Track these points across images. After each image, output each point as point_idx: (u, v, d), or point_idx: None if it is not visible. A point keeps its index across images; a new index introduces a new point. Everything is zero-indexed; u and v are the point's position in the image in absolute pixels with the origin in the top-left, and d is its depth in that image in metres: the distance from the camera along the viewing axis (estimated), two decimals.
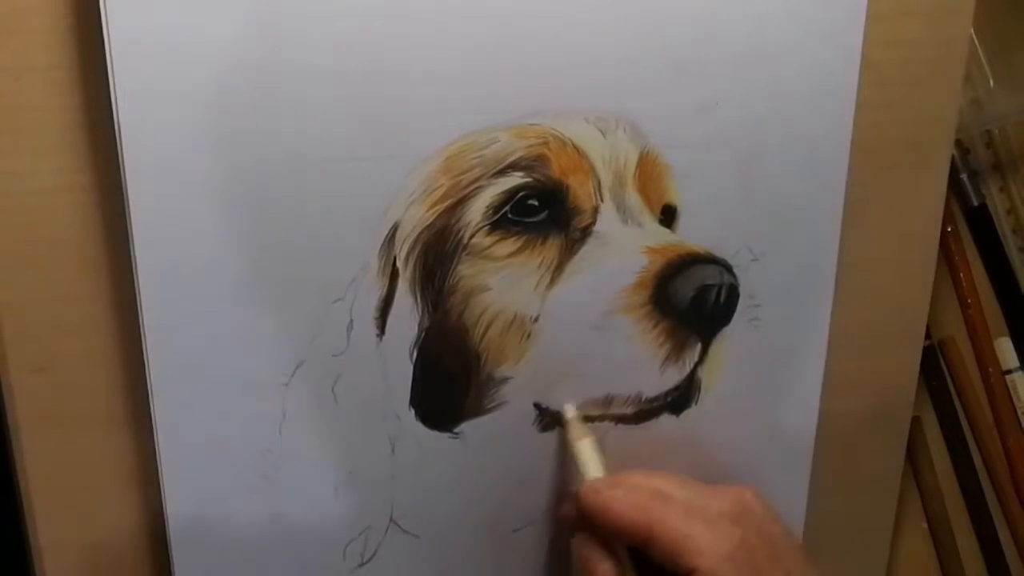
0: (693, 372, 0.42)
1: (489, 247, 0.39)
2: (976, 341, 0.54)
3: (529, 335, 0.40)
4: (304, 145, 0.36)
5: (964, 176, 0.53)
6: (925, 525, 0.55)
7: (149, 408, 0.37)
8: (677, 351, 0.41)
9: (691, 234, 0.41)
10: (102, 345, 0.38)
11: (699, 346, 0.41)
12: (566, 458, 0.41)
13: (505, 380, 0.40)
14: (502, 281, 0.39)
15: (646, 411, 0.42)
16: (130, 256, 0.36)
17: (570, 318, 0.40)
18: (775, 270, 0.42)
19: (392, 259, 0.38)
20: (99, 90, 0.34)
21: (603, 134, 0.39)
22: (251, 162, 0.36)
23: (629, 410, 0.42)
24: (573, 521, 0.40)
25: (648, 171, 0.40)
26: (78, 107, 0.36)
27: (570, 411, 0.41)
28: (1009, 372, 0.54)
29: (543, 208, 0.39)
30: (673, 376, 0.42)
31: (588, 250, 0.40)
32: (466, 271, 0.39)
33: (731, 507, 0.37)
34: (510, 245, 0.39)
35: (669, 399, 0.42)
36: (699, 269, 0.40)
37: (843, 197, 0.43)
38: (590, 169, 0.39)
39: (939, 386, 0.54)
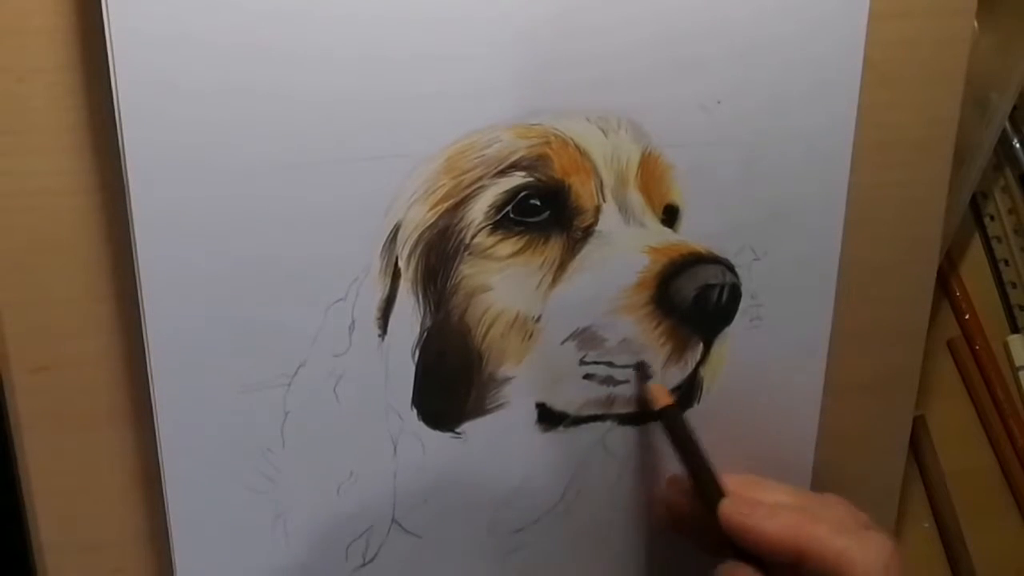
0: (695, 372, 0.42)
1: (491, 247, 0.39)
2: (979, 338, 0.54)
3: (531, 335, 0.40)
4: (306, 145, 0.36)
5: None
6: (927, 525, 0.55)
7: (151, 408, 0.37)
8: (679, 351, 0.41)
9: (693, 234, 0.41)
10: (103, 345, 0.38)
11: (701, 346, 0.41)
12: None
13: (507, 380, 0.40)
14: (504, 281, 0.39)
15: (648, 411, 0.42)
16: (132, 256, 0.36)
17: (572, 318, 0.40)
18: (777, 270, 0.43)
19: (394, 259, 0.38)
20: (102, 91, 0.34)
21: (605, 133, 0.39)
22: (253, 162, 0.36)
23: (631, 410, 0.42)
24: (664, 511, 0.42)
25: (650, 171, 0.40)
26: (81, 108, 0.36)
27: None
28: (1022, 368, 0.55)
29: (545, 208, 0.39)
30: (675, 376, 0.42)
31: (590, 250, 0.40)
32: (468, 271, 0.39)
33: (856, 518, 0.38)
34: (512, 245, 0.39)
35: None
36: (701, 269, 0.40)
37: (845, 197, 0.43)
38: (592, 169, 0.39)
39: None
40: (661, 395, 0.41)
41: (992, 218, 0.54)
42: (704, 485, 0.40)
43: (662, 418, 0.41)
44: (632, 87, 0.39)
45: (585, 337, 0.40)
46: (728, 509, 0.39)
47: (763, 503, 0.39)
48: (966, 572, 0.55)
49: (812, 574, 0.37)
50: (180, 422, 0.38)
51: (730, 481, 0.40)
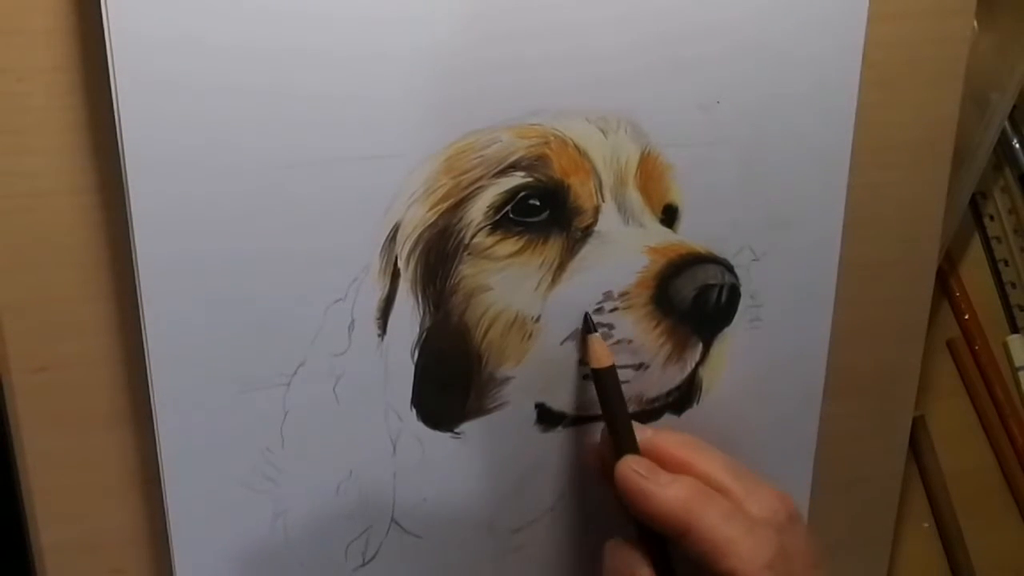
0: (694, 372, 0.42)
1: (490, 247, 0.39)
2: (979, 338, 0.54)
3: (530, 335, 0.40)
4: (305, 144, 0.36)
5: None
6: (926, 525, 0.55)
7: (150, 408, 0.37)
8: (678, 351, 0.41)
9: (692, 234, 0.41)
10: (103, 345, 0.38)
11: (700, 346, 0.41)
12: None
13: (506, 380, 0.40)
14: (503, 281, 0.39)
15: (647, 411, 0.42)
16: (131, 256, 0.36)
17: (571, 318, 0.40)
18: (776, 270, 0.43)
19: (393, 259, 0.38)
20: (101, 91, 0.34)
21: (604, 134, 0.39)
22: (252, 162, 0.36)
23: (630, 410, 0.42)
24: (595, 467, 0.41)
25: (649, 171, 0.40)
26: (80, 108, 0.36)
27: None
28: (1021, 368, 0.55)
29: (544, 208, 0.39)
30: (674, 376, 0.42)
31: (589, 250, 0.40)
32: (467, 271, 0.39)
33: (773, 513, 0.37)
34: (511, 245, 0.39)
35: (670, 399, 0.42)
36: (700, 269, 0.40)
37: (844, 197, 0.43)
38: (591, 169, 0.39)
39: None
40: (603, 355, 0.39)
41: (992, 218, 0.54)
42: (620, 443, 0.38)
43: (596, 378, 0.39)
44: (631, 87, 0.39)
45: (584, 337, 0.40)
46: (625, 468, 0.36)
47: (663, 472, 0.36)
48: (965, 572, 0.55)
49: (692, 555, 0.35)
50: (180, 422, 0.38)
51: (666, 440, 0.38)
